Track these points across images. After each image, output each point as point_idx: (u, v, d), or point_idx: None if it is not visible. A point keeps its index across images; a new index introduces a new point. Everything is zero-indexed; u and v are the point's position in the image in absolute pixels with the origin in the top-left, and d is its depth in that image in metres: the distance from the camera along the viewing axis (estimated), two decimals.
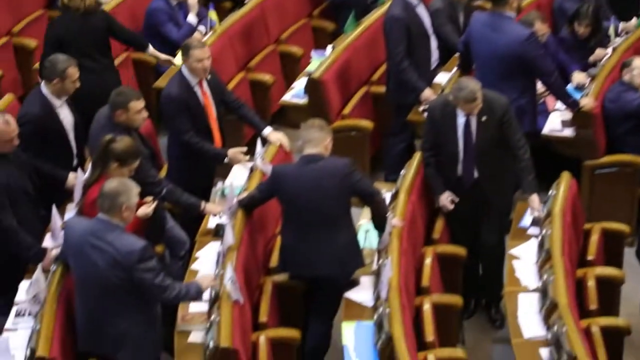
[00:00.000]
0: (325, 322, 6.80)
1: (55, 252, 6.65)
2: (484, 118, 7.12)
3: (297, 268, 6.72)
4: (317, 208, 6.56)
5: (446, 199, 7.29)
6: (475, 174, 7.23)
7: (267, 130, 7.74)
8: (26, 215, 6.80)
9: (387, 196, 7.24)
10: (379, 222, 6.78)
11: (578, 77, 8.58)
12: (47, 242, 6.87)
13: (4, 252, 6.73)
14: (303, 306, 6.94)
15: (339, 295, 6.73)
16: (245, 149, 7.63)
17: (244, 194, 7.02)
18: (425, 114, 7.42)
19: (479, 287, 7.61)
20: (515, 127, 7.17)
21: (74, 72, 7.25)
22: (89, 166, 7.30)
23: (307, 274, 6.72)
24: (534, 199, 7.16)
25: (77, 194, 7.11)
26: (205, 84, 7.53)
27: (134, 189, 6.10)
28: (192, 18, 9.47)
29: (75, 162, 7.40)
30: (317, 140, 6.60)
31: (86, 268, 6.01)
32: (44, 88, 7.25)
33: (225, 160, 7.51)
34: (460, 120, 7.15)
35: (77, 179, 7.15)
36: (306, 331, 6.81)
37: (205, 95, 7.53)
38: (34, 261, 6.66)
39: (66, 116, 7.31)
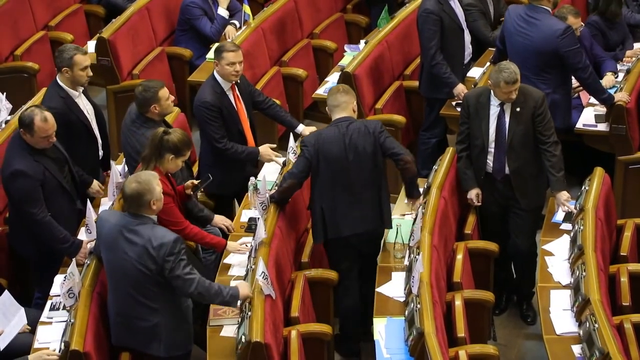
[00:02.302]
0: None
1: (90, 245, 6.72)
2: (518, 109, 7.09)
3: (338, 229, 6.83)
4: (357, 167, 6.75)
5: (474, 196, 7.28)
6: (506, 170, 7.20)
7: (300, 128, 7.78)
8: (62, 209, 6.87)
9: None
10: (409, 183, 6.97)
11: (607, 79, 8.48)
12: (82, 236, 6.94)
13: (39, 246, 6.81)
14: (334, 301, 7.00)
15: (376, 255, 6.96)
16: (274, 145, 7.68)
17: (275, 190, 7.07)
18: (462, 107, 7.33)
19: (511, 284, 7.60)
20: (548, 123, 7.12)
21: (80, 59, 7.23)
22: (122, 162, 7.39)
23: (349, 233, 6.83)
24: (561, 196, 7.13)
25: (111, 189, 7.18)
26: (236, 88, 7.55)
27: (154, 179, 6.11)
28: (222, 12, 9.50)
29: (100, 153, 7.45)
30: (345, 103, 6.81)
31: (118, 261, 6.05)
32: (59, 79, 7.29)
33: (258, 157, 7.55)
34: (493, 110, 7.12)
35: (112, 172, 7.22)
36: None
37: (237, 99, 7.55)
38: (70, 253, 6.73)
39: (85, 106, 7.34)
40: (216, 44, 9.13)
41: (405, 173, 6.94)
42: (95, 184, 7.27)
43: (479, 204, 7.31)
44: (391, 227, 6.94)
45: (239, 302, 6.16)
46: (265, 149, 7.57)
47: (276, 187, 7.13)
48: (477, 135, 7.19)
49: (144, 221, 6.03)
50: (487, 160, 7.21)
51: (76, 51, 7.26)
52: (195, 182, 6.95)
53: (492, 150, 7.17)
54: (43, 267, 6.91)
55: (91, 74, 7.31)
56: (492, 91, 7.12)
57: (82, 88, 7.36)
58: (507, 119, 7.10)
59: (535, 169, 7.21)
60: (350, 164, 6.75)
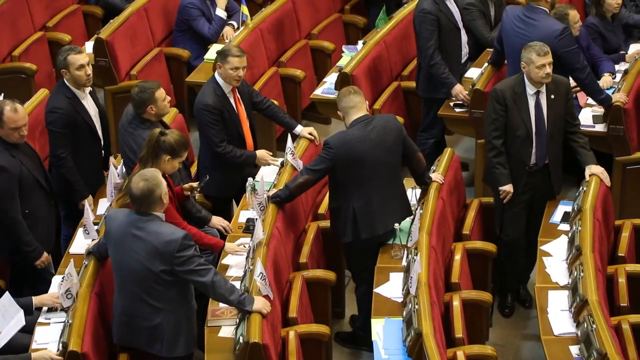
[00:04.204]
0: None
1: (88, 245, 6.70)
2: (552, 96, 7.17)
3: (372, 229, 6.84)
4: (383, 164, 6.80)
5: (511, 189, 7.26)
6: (546, 158, 7.27)
7: (299, 128, 7.78)
8: (39, 206, 6.83)
9: (417, 192, 7.26)
10: (420, 177, 7.13)
11: (605, 80, 8.50)
12: (80, 236, 6.94)
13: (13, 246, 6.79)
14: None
15: None
16: (271, 153, 7.70)
17: (274, 190, 7.07)
18: (493, 101, 7.25)
19: (519, 278, 7.62)
20: (573, 106, 7.36)
21: (74, 59, 7.20)
22: (120, 163, 7.39)
23: (382, 231, 6.87)
24: (597, 169, 7.26)
25: (109, 189, 7.18)
26: (237, 91, 7.54)
27: (158, 173, 6.12)
28: (220, 12, 9.51)
29: (102, 154, 7.44)
30: (360, 103, 6.84)
31: (126, 258, 6.04)
32: (65, 80, 7.29)
33: (255, 161, 7.55)
34: (531, 99, 7.16)
35: (109, 172, 7.22)
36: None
37: (238, 101, 7.54)
38: (30, 259, 6.74)
39: (91, 107, 7.33)
40: (215, 45, 9.18)
41: (421, 167, 7.06)
42: (89, 200, 7.22)
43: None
44: (412, 215, 7.02)
45: (249, 308, 6.08)
46: (262, 154, 7.58)
47: (274, 189, 7.13)
48: (519, 125, 7.19)
49: (152, 218, 6.01)
50: (529, 154, 7.22)
51: (70, 51, 7.26)
52: (194, 184, 6.95)
53: (534, 141, 7.21)
54: (20, 270, 6.89)
55: (90, 72, 7.26)
56: (525, 79, 7.15)
57: (89, 89, 7.35)
58: (544, 108, 7.16)
59: (562, 156, 7.37)
60: (381, 161, 6.78)
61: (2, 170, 6.62)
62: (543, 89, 7.17)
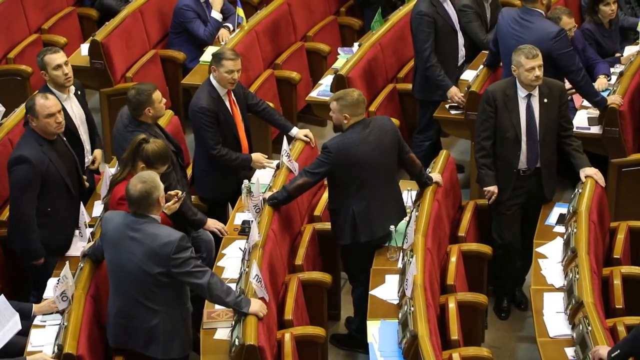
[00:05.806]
0: None
1: (84, 248, 6.69)
2: (545, 100, 7.17)
3: (371, 232, 6.85)
4: (381, 166, 6.82)
5: (496, 190, 7.27)
6: (538, 161, 7.26)
7: (294, 131, 7.78)
8: (60, 207, 6.77)
9: (412, 194, 7.27)
10: (418, 177, 7.13)
11: (600, 82, 8.52)
12: (75, 238, 6.92)
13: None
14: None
15: None
16: (266, 156, 7.70)
17: (269, 192, 7.07)
18: (483, 102, 7.26)
19: (515, 280, 7.63)
20: (568, 110, 7.36)
21: (49, 59, 7.22)
22: (115, 165, 7.38)
23: (381, 233, 6.87)
24: (591, 170, 7.26)
25: (104, 191, 7.18)
26: (232, 93, 7.53)
27: (156, 176, 6.11)
28: (216, 14, 9.51)
29: (87, 158, 7.42)
30: (364, 107, 6.86)
31: (122, 260, 6.02)
32: (47, 82, 7.30)
33: (250, 164, 7.55)
34: (522, 102, 7.16)
35: (104, 175, 7.22)
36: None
37: (233, 103, 7.53)
38: (27, 259, 6.72)
39: (75, 110, 7.31)
40: (211, 48, 9.18)
41: (416, 168, 7.08)
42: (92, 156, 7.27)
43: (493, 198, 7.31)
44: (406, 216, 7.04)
45: (245, 310, 6.09)
46: (257, 156, 7.58)
47: (269, 191, 7.13)
48: (508, 127, 7.18)
49: (149, 220, 6.00)
50: (518, 156, 7.21)
51: (46, 52, 7.29)
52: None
53: (524, 141, 7.20)
54: (40, 268, 6.86)
55: (67, 71, 7.23)
56: (517, 82, 7.15)
57: (72, 90, 7.33)
58: (536, 111, 7.16)
59: (556, 159, 7.36)
60: (379, 163, 6.80)
61: (24, 161, 6.57)
62: (535, 93, 7.17)
